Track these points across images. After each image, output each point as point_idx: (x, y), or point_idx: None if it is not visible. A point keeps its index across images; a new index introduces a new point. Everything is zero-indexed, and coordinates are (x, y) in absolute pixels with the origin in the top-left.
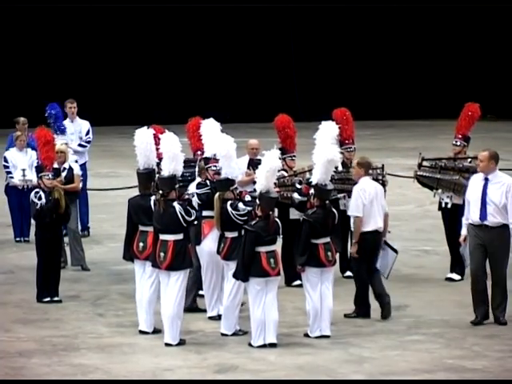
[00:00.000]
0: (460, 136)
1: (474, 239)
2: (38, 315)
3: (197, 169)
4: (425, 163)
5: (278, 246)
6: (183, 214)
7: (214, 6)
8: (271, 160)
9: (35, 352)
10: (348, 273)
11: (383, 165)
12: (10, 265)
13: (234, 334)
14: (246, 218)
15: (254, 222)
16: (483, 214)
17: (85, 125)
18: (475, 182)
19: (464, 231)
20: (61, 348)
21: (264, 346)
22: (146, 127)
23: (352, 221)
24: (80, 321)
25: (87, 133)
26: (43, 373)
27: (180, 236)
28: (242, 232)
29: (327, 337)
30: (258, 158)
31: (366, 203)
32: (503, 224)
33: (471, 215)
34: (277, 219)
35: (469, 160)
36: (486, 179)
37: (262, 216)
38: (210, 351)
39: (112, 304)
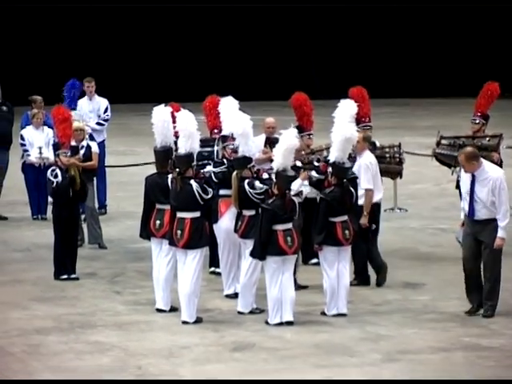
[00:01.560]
0: (479, 114)
1: (466, 227)
2: (54, 293)
3: (215, 148)
4: (443, 141)
5: None
6: (200, 191)
7: None
8: (289, 138)
9: (52, 329)
10: None
11: (400, 143)
12: (27, 243)
13: (250, 312)
14: (263, 196)
15: (270, 201)
16: (471, 210)
17: (103, 103)
18: (465, 176)
19: (462, 215)
20: (78, 325)
21: (281, 324)
22: (163, 105)
23: (362, 193)
24: (97, 298)
25: (105, 110)
26: (60, 350)
27: (197, 214)
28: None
29: (344, 315)
30: (275, 136)
31: (373, 175)
32: (491, 218)
33: (464, 206)
34: (294, 198)
35: (487, 138)
36: (473, 176)
37: (278, 194)
38: (227, 329)
39: (129, 282)
